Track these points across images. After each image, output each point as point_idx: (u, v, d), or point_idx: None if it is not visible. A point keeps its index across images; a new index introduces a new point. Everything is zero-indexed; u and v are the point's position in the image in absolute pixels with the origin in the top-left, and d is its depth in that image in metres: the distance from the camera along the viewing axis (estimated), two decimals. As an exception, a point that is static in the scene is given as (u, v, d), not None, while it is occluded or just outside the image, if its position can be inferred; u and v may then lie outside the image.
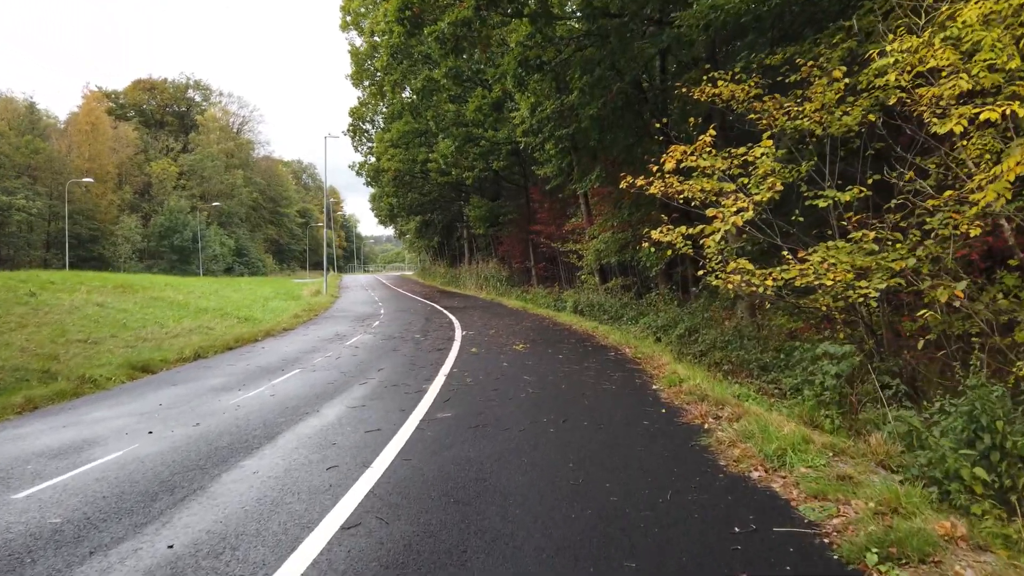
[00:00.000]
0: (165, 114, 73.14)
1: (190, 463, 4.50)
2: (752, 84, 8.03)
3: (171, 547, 3.12)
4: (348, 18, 31.46)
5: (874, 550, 2.81)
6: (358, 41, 31.93)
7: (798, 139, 7.83)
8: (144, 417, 6.03)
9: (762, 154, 7.11)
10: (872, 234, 6.42)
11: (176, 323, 13.50)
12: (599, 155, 16.04)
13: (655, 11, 12.90)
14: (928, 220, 6.35)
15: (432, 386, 7.12)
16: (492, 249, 33.31)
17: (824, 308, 7.18)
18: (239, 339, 11.91)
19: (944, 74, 5.01)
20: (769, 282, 6.71)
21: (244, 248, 66.73)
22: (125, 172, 58.40)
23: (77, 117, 55.54)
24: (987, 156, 5.31)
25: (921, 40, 5.29)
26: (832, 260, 6.31)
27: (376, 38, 26.11)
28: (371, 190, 44.06)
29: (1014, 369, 4.47)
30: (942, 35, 5.17)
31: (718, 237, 6.81)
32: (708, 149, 7.78)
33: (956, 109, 4.91)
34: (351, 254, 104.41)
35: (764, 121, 7.81)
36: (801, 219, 7.46)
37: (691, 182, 7.68)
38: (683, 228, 7.82)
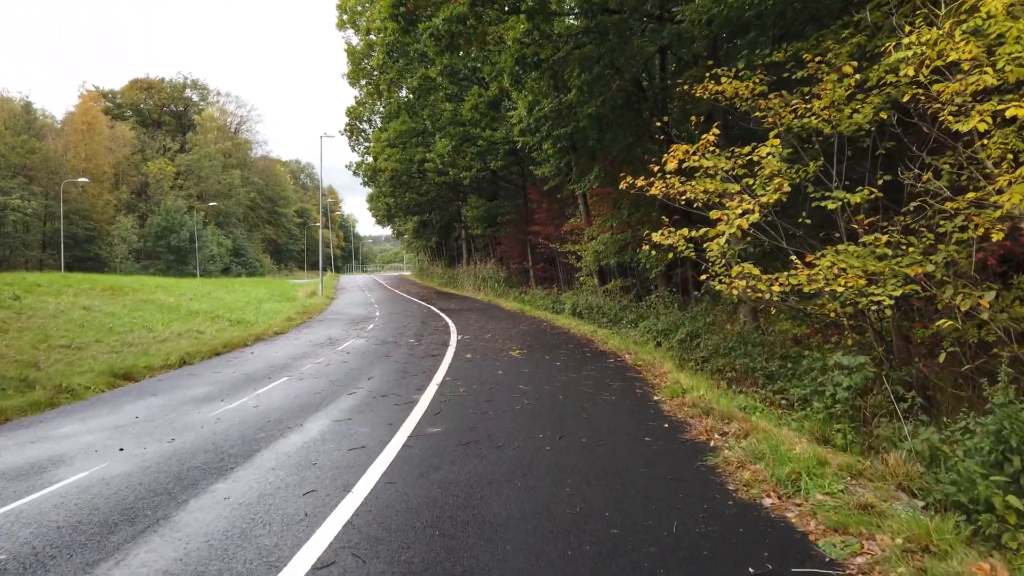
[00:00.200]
0: (162, 114, 72.75)
1: (158, 486, 4.18)
2: (757, 81, 7.72)
3: (122, 591, 2.80)
4: (345, 16, 31.13)
5: (907, 599, 2.50)
6: (355, 40, 31.62)
7: (803, 139, 7.52)
8: (118, 432, 5.70)
9: (768, 153, 6.80)
10: (885, 237, 6.12)
11: (165, 327, 13.16)
12: (598, 155, 15.74)
13: (655, 7, 12.59)
14: (942, 223, 6.06)
15: (423, 397, 6.80)
16: (490, 249, 33.00)
17: (832, 314, 6.89)
18: (227, 344, 11.58)
19: (965, 67, 4.69)
20: (776, 287, 6.42)
21: (242, 248, 66.36)
22: (122, 172, 58.01)
23: (73, 117, 55.14)
24: (1009, 156, 5.00)
25: (940, 32, 4.97)
26: (842, 265, 6.01)
27: (372, 36, 25.79)
28: (369, 190, 43.76)
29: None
30: (963, 27, 4.85)
31: (723, 240, 6.50)
32: (711, 148, 7.48)
33: (979, 105, 4.60)
34: (349, 254, 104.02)
35: (769, 119, 7.50)
36: (808, 221, 7.16)
37: (694, 183, 7.38)
38: (685, 230, 7.52)
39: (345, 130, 37.74)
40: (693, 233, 7.51)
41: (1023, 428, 3.68)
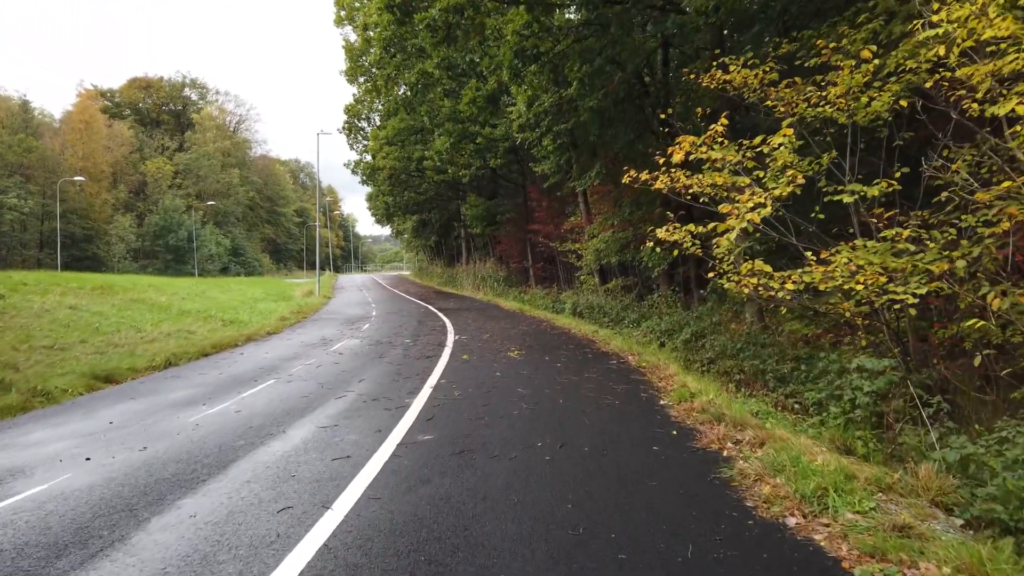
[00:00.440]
0: (161, 113, 72.42)
1: (120, 502, 3.81)
2: (767, 69, 7.35)
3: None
4: (343, 13, 30.78)
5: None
6: (353, 37, 31.26)
7: (815, 130, 7.15)
8: (88, 439, 5.34)
9: (780, 144, 6.43)
10: (906, 232, 5.76)
11: (154, 327, 12.80)
12: (599, 151, 15.38)
13: (659, -4, 12.21)
14: (963, 217, 5.70)
15: (416, 401, 6.44)
16: (490, 249, 32.65)
17: (847, 314, 6.53)
18: (217, 345, 11.21)
19: (1003, 46, 4.32)
20: (789, 285, 6.06)
21: (240, 248, 66.02)
22: (120, 171, 57.68)
23: (71, 115, 54.79)
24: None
25: (972, 9, 4.60)
26: (860, 262, 5.64)
27: (370, 32, 25.42)
28: (368, 189, 43.39)
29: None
30: (998, 2, 4.48)
31: (733, 236, 6.12)
32: (720, 139, 7.11)
33: (1018, 86, 4.23)
34: (349, 254, 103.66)
35: (781, 108, 7.13)
36: (821, 216, 6.79)
37: (701, 176, 7.01)
38: (692, 226, 7.17)
39: (343, 128, 37.40)
40: (700, 229, 7.16)
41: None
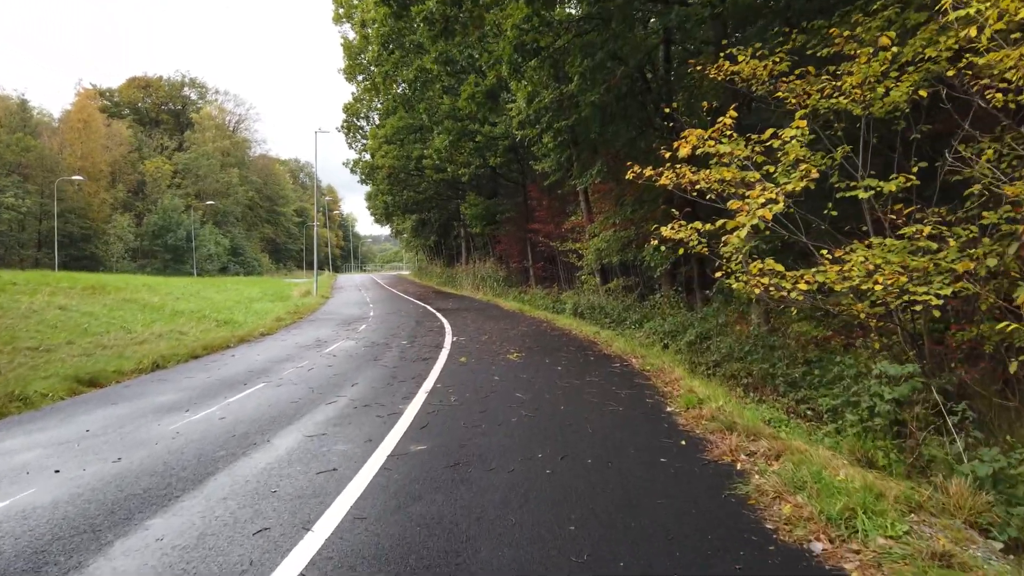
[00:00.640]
0: (160, 112, 72.15)
1: (83, 522, 3.51)
2: (778, 59, 7.04)
3: None
4: (341, 10, 30.48)
5: None
6: (351, 34, 30.97)
7: (826, 123, 6.85)
8: (61, 448, 5.04)
9: (793, 137, 6.12)
10: (927, 229, 5.45)
11: (145, 327, 12.50)
12: (600, 149, 15.07)
13: (662, -12, 11.91)
14: (985, 214, 5.40)
15: (410, 407, 6.13)
16: (489, 248, 32.35)
17: (862, 315, 6.22)
18: (208, 346, 10.90)
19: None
20: (803, 286, 5.76)
21: (240, 247, 65.77)
22: (118, 170, 57.43)
23: (69, 115, 54.51)
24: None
25: (1005, -12, 4.28)
26: (877, 260, 5.33)
27: (367, 30, 25.12)
28: (368, 188, 43.07)
29: None
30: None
31: (743, 233, 5.80)
32: (728, 133, 6.80)
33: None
34: (349, 253, 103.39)
35: (792, 100, 6.82)
36: (835, 213, 6.48)
37: (708, 171, 6.71)
38: (698, 224, 6.87)
39: (342, 127, 37.08)
40: (707, 226, 6.86)
41: None
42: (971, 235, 5.35)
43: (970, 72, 5.34)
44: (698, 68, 8.08)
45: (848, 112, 6.49)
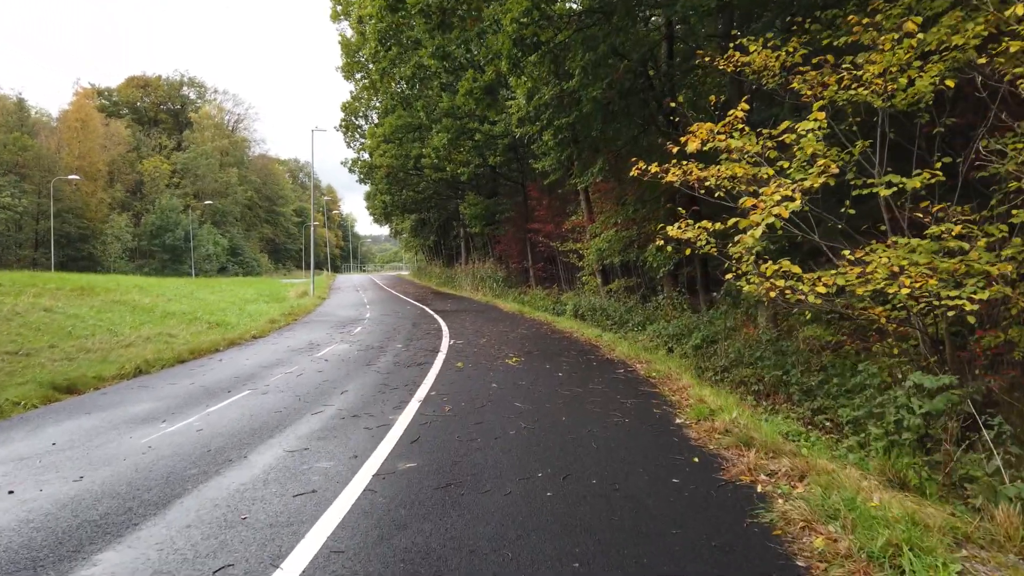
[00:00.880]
0: (159, 112, 71.80)
1: (26, 556, 3.12)
2: (791, 50, 6.66)
3: None
4: (339, 7, 30.10)
5: None
6: (349, 32, 30.60)
7: (836, 116, 6.48)
8: (20, 465, 4.65)
9: (810, 131, 5.74)
10: (957, 228, 5.07)
11: (133, 330, 12.11)
12: (601, 147, 14.68)
13: (668, -22, 11.49)
14: (1015, 212, 5.05)
15: (401, 417, 5.74)
16: (489, 248, 31.98)
17: (883, 320, 5.84)
18: (195, 350, 10.52)
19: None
20: (821, 288, 5.38)
21: (238, 247, 65.42)
22: (116, 170, 57.09)
23: (67, 114, 54.17)
24: None
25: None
26: (902, 262, 4.95)
27: (365, 27, 24.75)
28: (367, 188, 42.68)
29: None
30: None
31: (758, 233, 5.41)
32: (740, 126, 6.42)
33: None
34: (348, 254, 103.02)
35: (808, 92, 6.44)
36: (852, 211, 6.10)
37: (719, 167, 6.33)
38: (707, 223, 6.49)
39: (340, 126, 36.69)
40: (717, 225, 6.49)
41: None
42: (1001, 235, 4.99)
43: (1002, 60, 4.97)
44: (706, 59, 7.69)
45: (866, 105, 6.12)
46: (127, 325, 12.57)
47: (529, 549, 3.03)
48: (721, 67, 7.31)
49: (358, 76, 31.85)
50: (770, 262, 5.79)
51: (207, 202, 60.27)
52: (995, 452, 4.19)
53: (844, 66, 5.75)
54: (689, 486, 3.86)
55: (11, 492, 4.05)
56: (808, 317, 7.84)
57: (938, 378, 4.36)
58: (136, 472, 4.38)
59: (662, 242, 6.69)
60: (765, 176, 5.96)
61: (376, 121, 34.23)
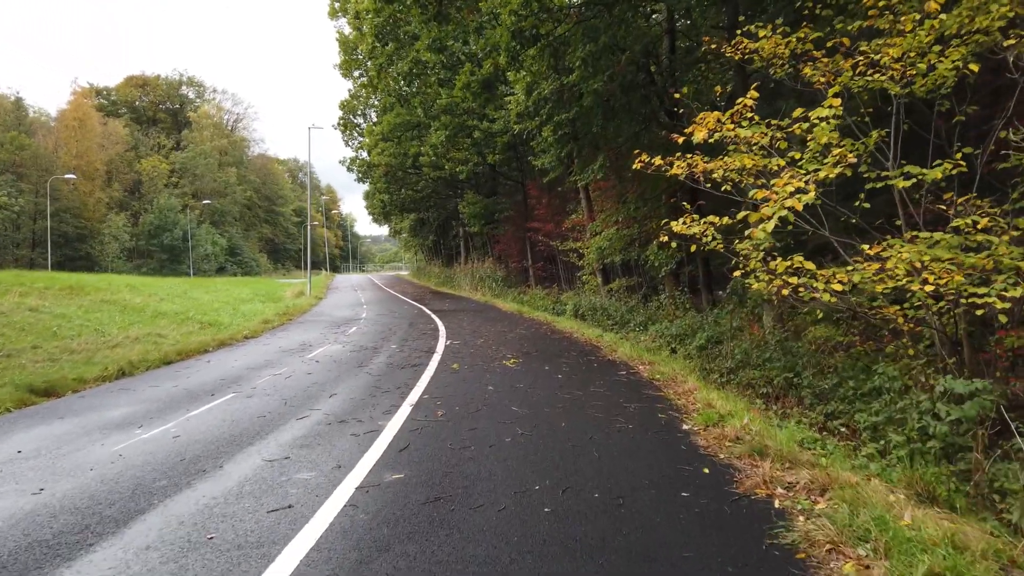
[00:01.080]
0: (157, 111, 71.50)
1: (-38, 581, 2.80)
2: (802, 36, 6.34)
3: None
4: (336, 4, 29.80)
5: None
6: (347, 29, 30.28)
7: (846, 105, 6.17)
8: (-21, 475, 4.32)
9: (823, 119, 5.41)
10: (984, 221, 4.76)
11: (121, 330, 11.78)
12: (601, 144, 14.36)
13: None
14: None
15: (391, 424, 5.41)
16: (488, 248, 31.67)
17: (900, 319, 5.52)
18: (183, 351, 10.19)
19: None
20: (836, 286, 5.08)
21: (237, 247, 65.11)
22: (114, 169, 56.79)
23: (65, 113, 53.88)
24: None
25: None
26: (924, 258, 4.64)
27: (363, 25, 24.43)
28: (365, 187, 42.36)
29: None
30: None
31: (770, 227, 5.08)
32: (749, 115, 6.10)
33: None
34: (348, 253, 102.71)
35: (821, 79, 6.12)
36: (867, 205, 5.78)
37: (727, 158, 6.01)
38: (714, 217, 6.19)
39: (339, 124, 36.35)
40: (725, 220, 6.18)
41: None
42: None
43: (1032, 43, 4.65)
44: (712, 46, 7.37)
45: (882, 92, 5.81)
46: (115, 325, 12.24)
47: (525, 575, 2.70)
48: (728, 54, 7.01)
49: (356, 74, 31.53)
50: (779, 258, 5.49)
51: (205, 202, 59.96)
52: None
53: (862, 48, 5.43)
54: (700, 501, 3.53)
55: (-38, 507, 3.72)
56: (819, 316, 7.52)
57: (970, 383, 4.03)
58: (101, 484, 4.05)
59: (666, 238, 6.39)
60: (776, 167, 5.66)
61: (375, 119, 33.92)
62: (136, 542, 3.14)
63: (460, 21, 12.35)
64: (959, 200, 4.99)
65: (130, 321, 12.98)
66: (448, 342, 11.17)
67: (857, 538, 2.91)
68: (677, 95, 8.91)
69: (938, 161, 5.05)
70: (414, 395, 6.56)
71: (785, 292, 5.33)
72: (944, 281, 4.41)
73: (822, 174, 5.21)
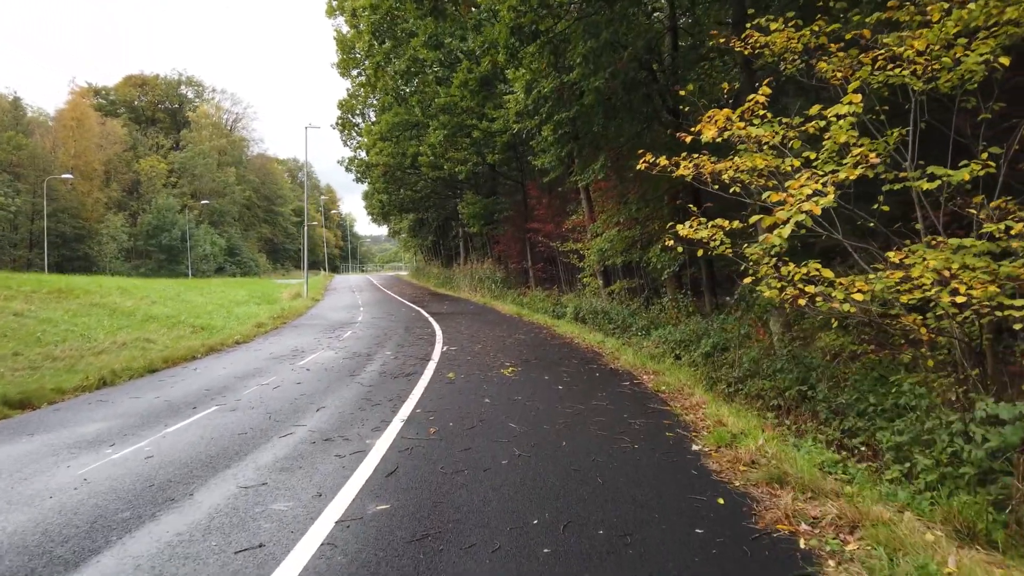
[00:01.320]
0: (156, 111, 71.18)
1: None
2: (816, 29, 6.00)
3: None
4: (334, 2, 29.44)
5: None
6: (345, 28, 29.92)
7: (873, 103, 5.81)
8: (-71, 503, 3.97)
9: (842, 116, 5.07)
10: (1020, 226, 4.42)
11: (109, 335, 11.44)
12: (603, 144, 14.01)
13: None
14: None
15: (380, 442, 5.06)
16: (488, 249, 31.33)
17: (923, 330, 5.18)
18: (170, 358, 9.84)
19: None
20: (857, 295, 4.74)
21: (236, 247, 64.79)
22: (113, 169, 56.46)
23: (63, 113, 53.57)
24: None
25: None
26: (953, 265, 4.30)
27: (360, 23, 24.08)
28: (364, 187, 41.99)
29: None
30: None
31: (787, 231, 4.74)
32: (761, 112, 5.75)
33: None
34: (348, 254, 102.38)
35: (838, 74, 5.78)
36: (886, 208, 5.43)
37: (737, 159, 5.67)
38: (724, 221, 5.84)
39: (337, 124, 36.00)
40: (735, 224, 5.82)
41: None
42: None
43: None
44: (721, 40, 7.01)
45: (903, 88, 5.45)
46: (103, 330, 11.90)
47: (519, 640, 2.35)
48: (738, 49, 6.68)
49: (354, 73, 31.18)
50: (791, 264, 5.15)
51: (204, 202, 59.65)
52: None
53: (885, 40, 5.07)
54: (716, 539, 3.18)
55: (-99, 543, 3.37)
56: (835, 324, 7.16)
57: (1013, 406, 3.67)
58: (58, 515, 3.70)
59: (671, 242, 6.05)
60: (789, 168, 5.33)
61: (373, 119, 33.57)
62: (83, 591, 2.80)
63: (457, 17, 12.01)
64: (993, 204, 4.64)
65: (119, 325, 12.64)
66: (445, 348, 10.82)
67: (899, 592, 2.56)
68: (682, 92, 8.56)
69: (964, 161, 4.70)
70: (406, 409, 6.21)
71: (802, 302, 4.99)
72: (977, 292, 4.07)
73: (842, 175, 4.86)
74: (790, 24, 6.08)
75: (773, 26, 6.10)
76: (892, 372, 6.10)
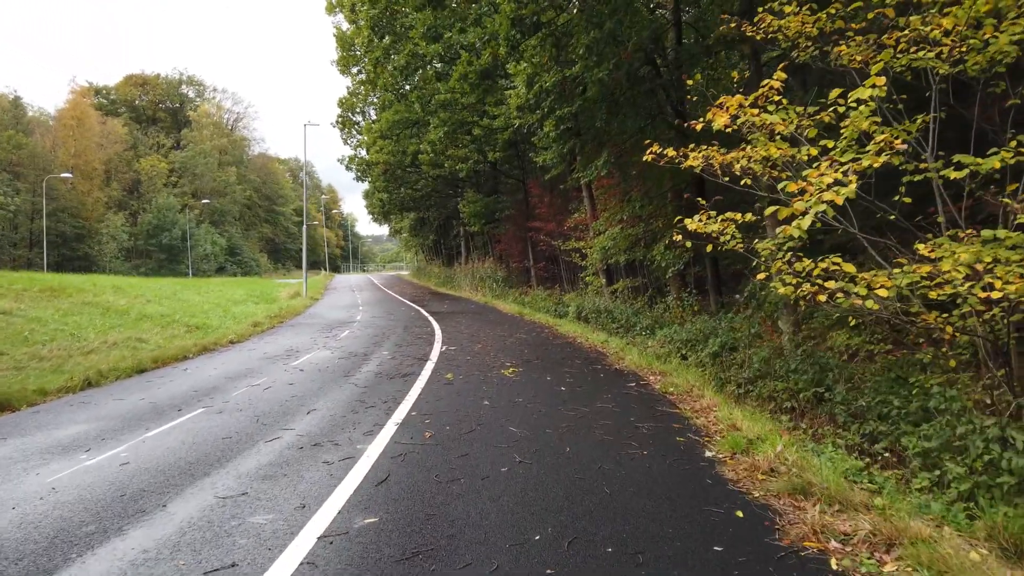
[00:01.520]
0: (157, 110, 71.01)
1: None
2: (833, 11, 5.71)
3: None
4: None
5: None
6: (345, 25, 29.65)
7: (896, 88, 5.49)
8: None
9: (863, 101, 4.77)
10: (1059, 219, 4.08)
11: (100, 335, 11.16)
12: (605, 140, 13.70)
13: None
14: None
15: (371, 447, 4.76)
16: (489, 248, 31.03)
17: (948, 328, 4.88)
18: (160, 358, 9.55)
19: None
20: (882, 292, 4.46)
21: (237, 247, 64.58)
22: (113, 168, 56.28)
23: (63, 112, 53.40)
24: None
25: None
26: (986, 259, 4.01)
27: (359, 19, 23.81)
28: (364, 186, 41.70)
29: None
30: None
31: (806, 223, 4.43)
32: (776, 98, 5.46)
33: None
34: (349, 253, 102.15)
35: (858, 58, 5.49)
36: (908, 200, 5.12)
37: (750, 148, 5.37)
38: (735, 214, 5.56)
39: (337, 122, 35.73)
40: (748, 217, 5.55)
41: None
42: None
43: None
44: (732, 25, 6.70)
45: (923, 75, 5.15)
46: (95, 329, 11.62)
47: None
48: (749, 34, 6.38)
49: (354, 70, 30.91)
50: (806, 259, 4.86)
51: (205, 201, 59.45)
52: None
53: (908, 21, 4.76)
54: (738, 558, 2.87)
55: None
56: (852, 323, 6.85)
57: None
58: (17, 529, 3.41)
59: (679, 237, 5.76)
60: (806, 157, 5.03)
61: (373, 117, 33.28)
62: (29, 619, 2.50)
63: (455, 8, 11.73)
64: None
65: (111, 325, 12.36)
66: (444, 348, 10.52)
67: (952, 625, 2.24)
68: (690, 81, 8.26)
69: (993, 149, 4.39)
70: (401, 411, 5.91)
71: (821, 298, 4.68)
72: (1015, 287, 3.76)
73: (864, 163, 4.55)
74: (805, 7, 5.79)
75: (788, 9, 5.81)
76: (911, 373, 5.79)
